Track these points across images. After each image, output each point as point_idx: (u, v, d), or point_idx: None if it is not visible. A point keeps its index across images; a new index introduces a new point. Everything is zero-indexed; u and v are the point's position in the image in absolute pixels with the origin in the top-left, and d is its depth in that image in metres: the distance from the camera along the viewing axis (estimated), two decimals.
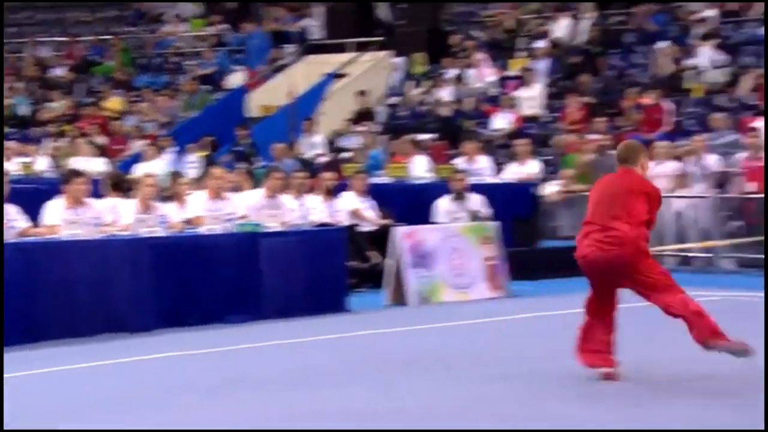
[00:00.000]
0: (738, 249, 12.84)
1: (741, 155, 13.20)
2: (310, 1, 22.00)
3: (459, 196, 12.26)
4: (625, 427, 5.61)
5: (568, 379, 6.85)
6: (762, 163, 12.82)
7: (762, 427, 5.24)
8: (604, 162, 14.14)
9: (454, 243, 11.08)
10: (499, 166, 14.71)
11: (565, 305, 10.22)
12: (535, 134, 16.37)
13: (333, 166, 14.64)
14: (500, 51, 19.23)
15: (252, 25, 21.27)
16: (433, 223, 11.95)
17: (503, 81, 18.41)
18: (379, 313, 10.36)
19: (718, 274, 12.66)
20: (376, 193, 12.71)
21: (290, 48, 20.97)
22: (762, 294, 10.45)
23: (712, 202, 13.01)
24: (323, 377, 7.13)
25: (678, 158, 13.67)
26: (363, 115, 18.53)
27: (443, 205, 12.28)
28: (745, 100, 15.45)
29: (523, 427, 5.69)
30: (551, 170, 14.94)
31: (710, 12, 17.12)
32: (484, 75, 18.54)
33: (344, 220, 12.08)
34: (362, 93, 18.94)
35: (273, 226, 10.64)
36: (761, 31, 16.40)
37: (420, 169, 14.31)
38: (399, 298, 10.74)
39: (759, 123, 13.88)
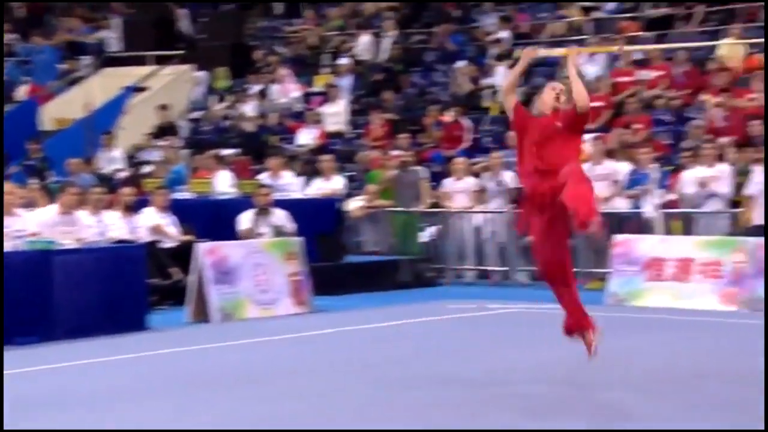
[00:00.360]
0: (532, 263, 13.38)
1: None
2: (109, 0, 21.40)
3: (263, 212, 12.22)
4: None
5: (376, 390, 6.94)
6: None
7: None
8: (406, 177, 14.50)
9: (257, 259, 11.03)
10: (303, 182, 14.75)
11: (369, 319, 10.44)
12: (339, 150, 16.54)
13: (133, 181, 14.30)
14: (304, 67, 19.35)
15: (41, 38, 20.45)
16: (237, 238, 11.85)
17: (307, 97, 18.52)
18: (181, 330, 10.19)
19: (513, 287, 13.11)
20: (178, 208, 12.50)
21: (86, 60, 20.33)
22: (551, 306, 11.01)
23: (509, 217, 13.38)
24: (121, 397, 6.92)
25: (476, 174, 14.10)
26: (164, 130, 18.19)
27: (246, 219, 12.21)
28: None
29: None
30: (355, 186, 15.12)
31: (504, 33, 17.85)
32: (288, 90, 18.59)
33: (145, 237, 11.81)
34: (163, 107, 18.59)
35: (68, 243, 10.25)
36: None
37: (223, 184, 14.17)
38: (201, 315, 10.58)
39: None
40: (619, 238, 11.74)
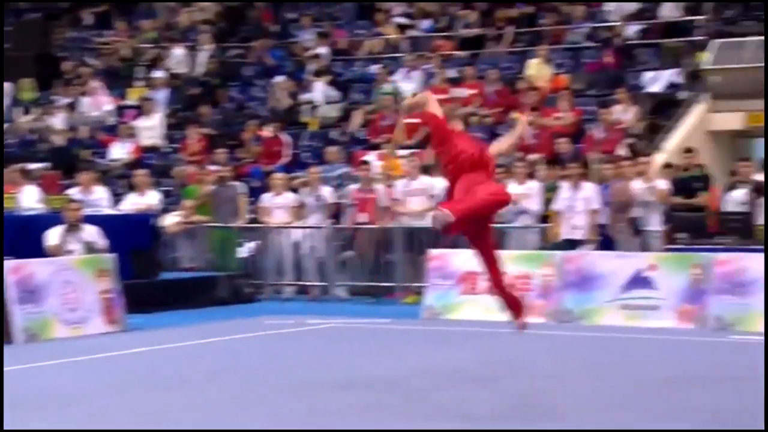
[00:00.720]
0: (350, 278, 13.31)
1: (352, 187, 13.78)
2: None
3: (73, 228, 11.81)
4: None
5: (188, 408, 6.80)
6: (372, 195, 13.46)
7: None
8: (224, 193, 14.34)
9: (66, 276, 10.63)
10: (117, 197, 14.35)
11: (185, 337, 10.22)
12: (154, 165, 16.16)
13: None
14: (117, 79, 18.86)
15: None
16: (45, 255, 11.40)
17: (121, 110, 18.04)
18: None
19: (332, 302, 13.11)
20: None
21: None
22: (370, 320, 11.22)
23: (327, 232, 13.49)
24: None
25: (295, 190, 14.12)
26: None
27: (55, 235, 11.77)
28: (355, 135, 16.25)
29: None
30: (171, 201, 14.87)
31: (322, 49, 17.99)
32: (100, 103, 18.06)
33: None
34: None
35: None
36: (371, 68, 17.50)
37: (30, 199, 13.62)
38: (4, 337, 10.08)
39: (369, 156, 14.73)
40: (434, 252, 11.96)
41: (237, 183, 14.55)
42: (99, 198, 13.80)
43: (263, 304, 13.10)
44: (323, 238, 13.50)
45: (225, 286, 13.30)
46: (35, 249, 11.56)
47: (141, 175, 14.37)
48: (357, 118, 16.51)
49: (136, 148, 16.57)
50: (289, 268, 13.64)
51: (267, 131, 16.00)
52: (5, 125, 18.40)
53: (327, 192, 13.88)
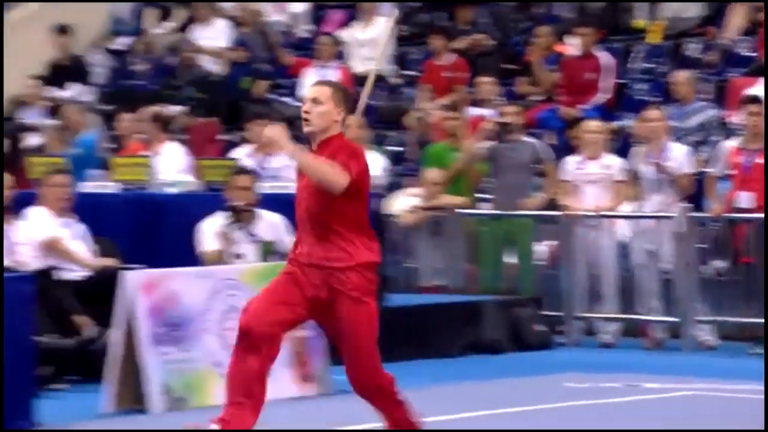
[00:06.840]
0: (722, 308, 13.54)
1: (727, 144, 13.95)
2: None
3: (242, 217, 12.19)
4: None
5: None
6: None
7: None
8: (507, 154, 14.45)
9: (233, 299, 10.94)
10: None
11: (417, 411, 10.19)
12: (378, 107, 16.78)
13: (11, 161, 14.44)
14: None
15: None
16: (197, 263, 11.90)
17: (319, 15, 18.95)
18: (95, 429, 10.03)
19: (690, 352, 13.35)
20: (88, 209, 12.53)
21: None
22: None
23: (679, 225, 13.63)
24: None
25: (625, 149, 14.55)
26: (64, 69, 18.54)
27: (213, 231, 12.20)
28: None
29: None
30: (404, 170, 15.73)
31: None
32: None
33: (31, 261, 11.82)
34: (63, 29, 19.05)
35: None
36: None
37: (170, 166, 14.26)
38: (132, 401, 10.43)
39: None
40: None
41: (531, 139, 14.81)
42: (283, 165, 13.98)
43: (563, 351, 13.43)
44: (672, 236, 13.46)
45: (496, 321, 13.55)
46: (181, 250, 11.93)
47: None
48: None
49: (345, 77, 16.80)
50: (611, 289, 13.79)
51: (570, 44, 16.25)
52: (129, 39, 19.28)
53: (679, 154, 13.74)
